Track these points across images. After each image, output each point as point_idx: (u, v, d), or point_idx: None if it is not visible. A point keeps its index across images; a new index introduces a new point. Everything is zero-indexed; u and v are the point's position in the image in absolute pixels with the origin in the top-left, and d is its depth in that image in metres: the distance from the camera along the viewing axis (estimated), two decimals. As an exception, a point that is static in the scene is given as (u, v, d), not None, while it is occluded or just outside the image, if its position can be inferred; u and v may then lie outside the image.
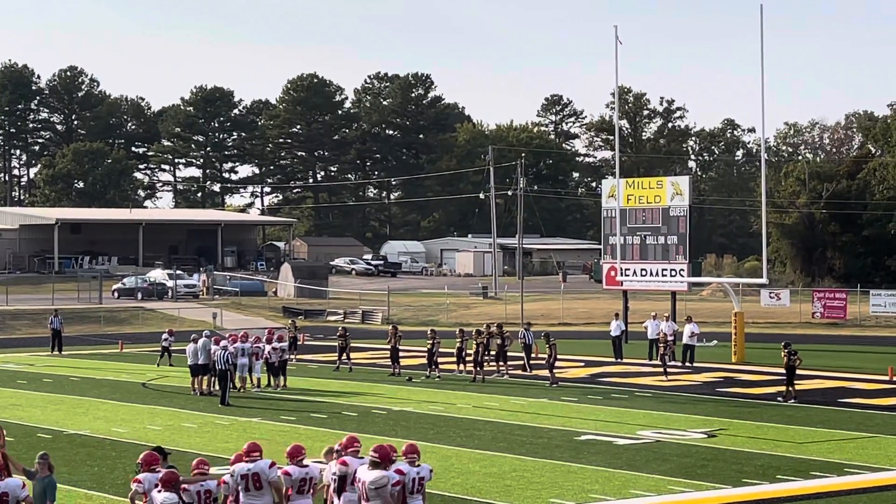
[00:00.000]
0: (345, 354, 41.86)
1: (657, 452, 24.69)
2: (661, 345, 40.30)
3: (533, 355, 41.97)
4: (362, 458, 15.30)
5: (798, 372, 33.73)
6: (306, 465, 15.26)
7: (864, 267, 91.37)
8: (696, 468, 22.84)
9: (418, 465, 14.76)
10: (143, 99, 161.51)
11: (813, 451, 24.91)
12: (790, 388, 33.21)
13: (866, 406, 32.09)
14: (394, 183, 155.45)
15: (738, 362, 44.46)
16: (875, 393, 34.98)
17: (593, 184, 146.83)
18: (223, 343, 34.42)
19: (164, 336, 44.68)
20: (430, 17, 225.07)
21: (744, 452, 24.68)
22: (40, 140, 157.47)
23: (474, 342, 39.22)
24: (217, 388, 33.91)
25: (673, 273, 49.37)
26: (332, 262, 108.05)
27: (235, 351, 35.07)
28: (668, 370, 39.24)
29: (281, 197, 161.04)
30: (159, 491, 14.09)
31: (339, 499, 15.13)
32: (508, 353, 40.28)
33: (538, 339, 42.04)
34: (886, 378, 38.36)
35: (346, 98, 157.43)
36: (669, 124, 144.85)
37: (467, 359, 39.54)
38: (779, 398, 33.15)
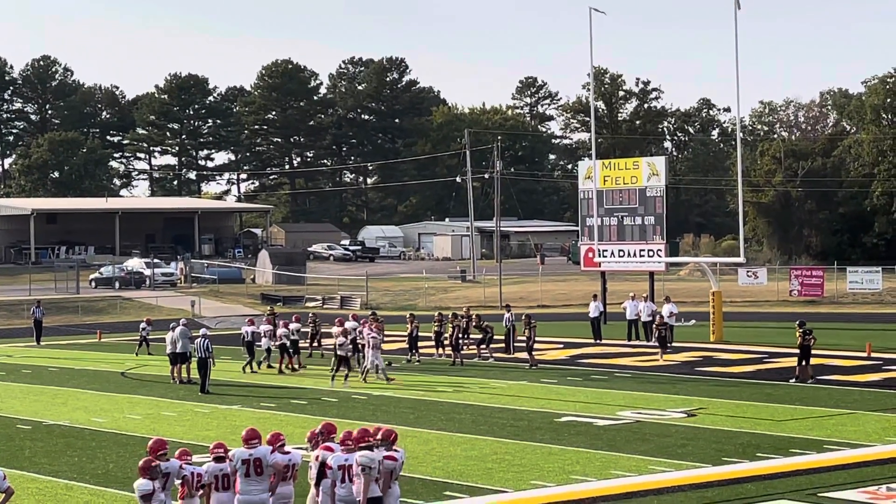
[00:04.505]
0: (315, 341, 41.69)
1: (637, 433, 24.76)
2: (657, 327, 40.30)
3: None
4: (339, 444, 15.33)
5: (778, 350, 33.68)
6: (289, 452, 15.26)
7: (841, 244, 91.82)
8: (676, 448, 22.91)
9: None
10: (117, 87, 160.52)
11: (792, 428, 25.01)
12: (807, 367, 32.53)
13: (845, 383, 32.24)
14: (370, 168, 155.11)
15: (717, 341, 44.53)
16: (853, 370, 35.14)
17: (570, 166, 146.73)
18: (203, 331, 34.39)
19: (142, 325, 44.50)
20: (403, 0, 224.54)
21: (724, 431, 24.78)
22: (14, 130, 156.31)
23: (450, 325, 39.21)
24: (197, 375, 33.84)
25: (650, 253, 49.43)
26: (309, 249, 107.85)
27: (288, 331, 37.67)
28: (651, 349, 39.34)
29: (257, 184, 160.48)
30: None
31: (317, 486, 15.12)
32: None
33: (517, 322, 41.98)
34: (864, 355, 38.54)
35: (321, 83, 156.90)
36: (645, 105, 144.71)
37: (445, 343, 39.55)
38: (791, 380, 32.52)
